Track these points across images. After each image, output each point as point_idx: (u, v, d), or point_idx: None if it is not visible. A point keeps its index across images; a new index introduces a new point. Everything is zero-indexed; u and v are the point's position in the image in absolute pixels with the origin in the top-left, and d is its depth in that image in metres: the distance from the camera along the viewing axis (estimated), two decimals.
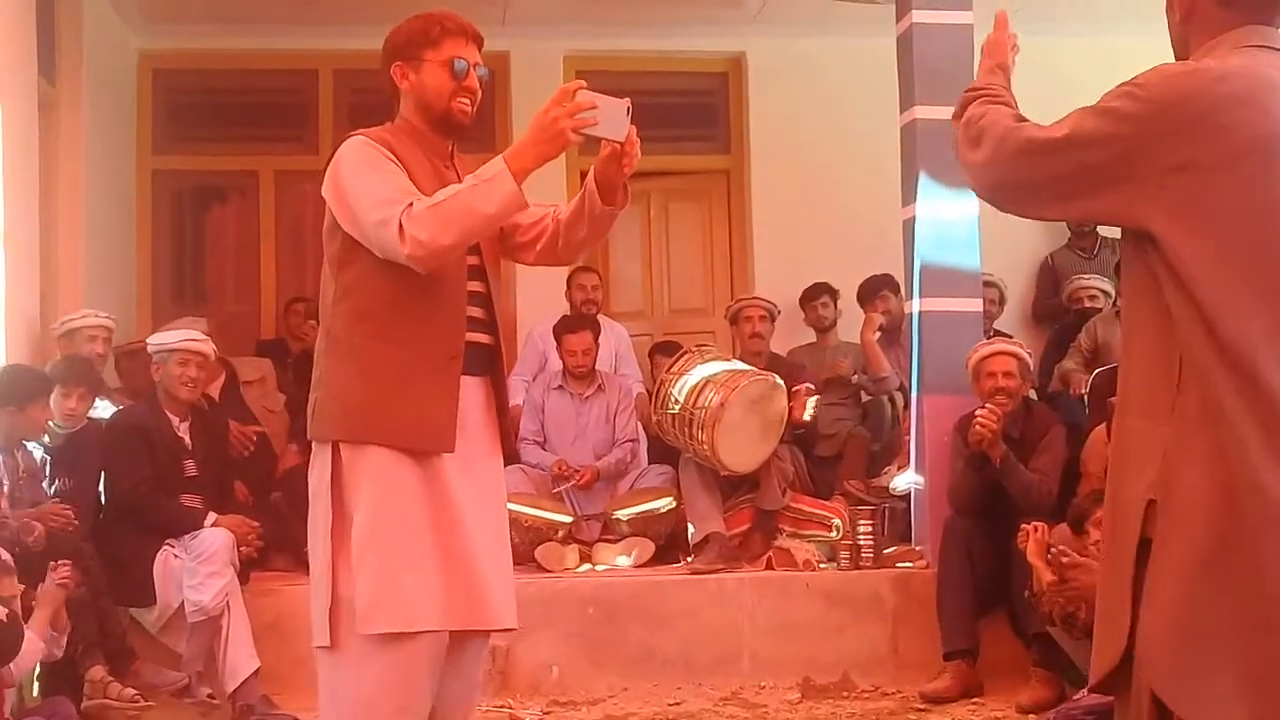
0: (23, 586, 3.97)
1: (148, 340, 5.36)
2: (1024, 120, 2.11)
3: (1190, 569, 1.92)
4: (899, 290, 6.29)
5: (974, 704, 4.80)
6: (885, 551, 5.48)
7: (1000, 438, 4.93)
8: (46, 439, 4.91)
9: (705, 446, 5.44)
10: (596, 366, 6.27)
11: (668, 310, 7.99)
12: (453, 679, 2.78)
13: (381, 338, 2.69)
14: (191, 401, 5.19)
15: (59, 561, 4.15)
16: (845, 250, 7.09)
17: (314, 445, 2.76)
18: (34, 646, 3.87)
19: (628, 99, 2.58)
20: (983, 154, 2.12)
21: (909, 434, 5.68)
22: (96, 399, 5.12)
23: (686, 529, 5.62)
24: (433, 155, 2.81)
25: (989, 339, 5.54)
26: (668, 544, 5.76)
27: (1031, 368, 5.46)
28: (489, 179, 2.56)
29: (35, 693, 4.38)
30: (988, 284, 6.18)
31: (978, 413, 4.95)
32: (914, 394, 5.62)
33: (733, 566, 5.41)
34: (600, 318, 6.75)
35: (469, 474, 2.75)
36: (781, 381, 5.66)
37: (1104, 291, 6.86)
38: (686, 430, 5.51)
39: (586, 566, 5.62)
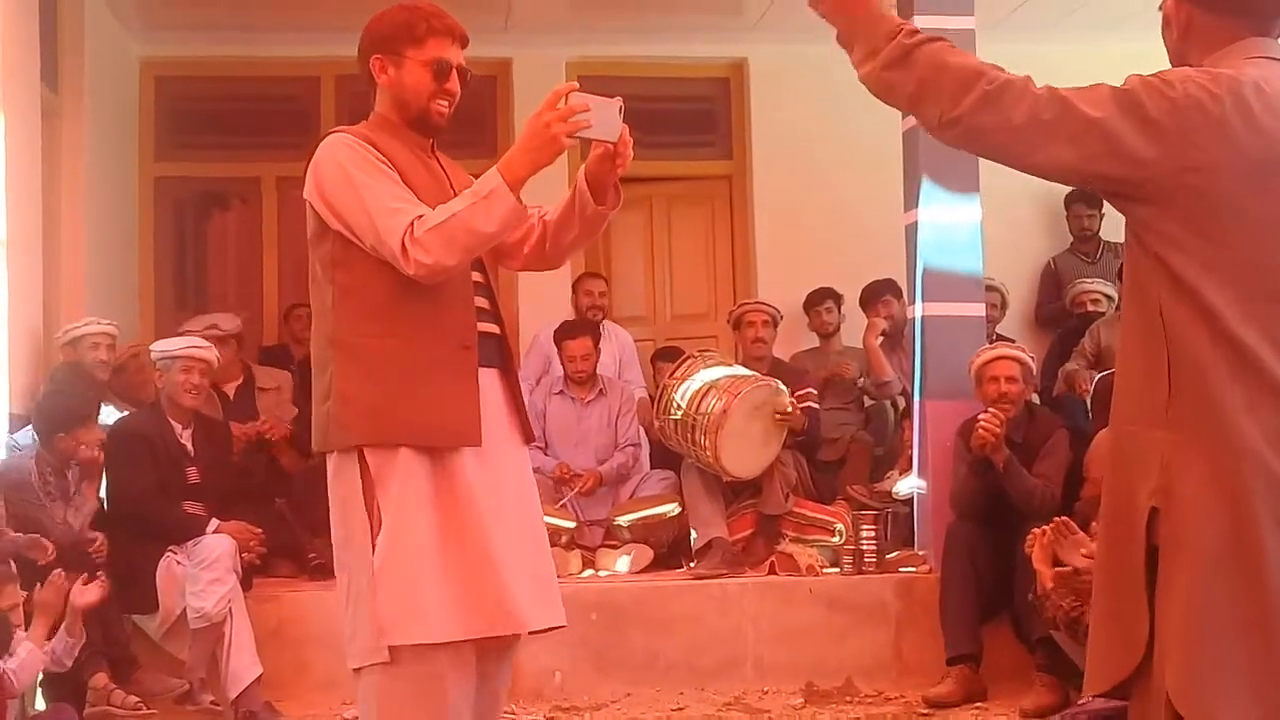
0: (24, 594, 3.97)
1: (151, 346, 5.37)
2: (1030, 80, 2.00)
3: (1200, 575, 1.92)
4: (902, 295, 6.29)
5: (977, 709, 4.79)
6: (888, 556, 5.48)
7: (1003, 442, 4.92)
8: None
9: (708, 452, 5.44)
10: (600, 372, 6.27)
11: (670, 315, 7.99)
12: (479, 682, 2.71)
13: (391, 335, 2.62)
14: (195, 408, 5.19)
15: (56, 571, 4.14)
16: (847, 255, 7.10)
17: (336, 457, 2.66)
18: (35, 657, 3.84)
19: (619, 98, 2.55)
20: (1003, 116, 1.96)
21: (912, 439, 5.68)
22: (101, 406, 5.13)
23: (689, 534, 5.62)
24: (416, 149, 2.75)
25: (991, 343, 5.54)
26: (671, 549, 5.76)
27: (1034, 372, 5.46)
28: (487, 195, 2.51)
29: (38, 700, 4.37)
30: (989, 288, 6.18)
31: (980, 417, 4.95)
32: (916, 399, 5.61)
33: (736, 572, 5.40)
34: (605, 323, 6.76)
35: (492, 468, 2.68)
36: (784, 387, 5.65)
37: (1107, 296, 6.86)
38: (689, 436, 5.51)
39: (590, 572, 5.62)
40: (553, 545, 5.50)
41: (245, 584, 4.89)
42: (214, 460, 5.22)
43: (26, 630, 3.95)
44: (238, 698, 4.62)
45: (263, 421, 5.90)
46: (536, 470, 5.91)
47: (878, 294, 6.72)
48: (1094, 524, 4.36)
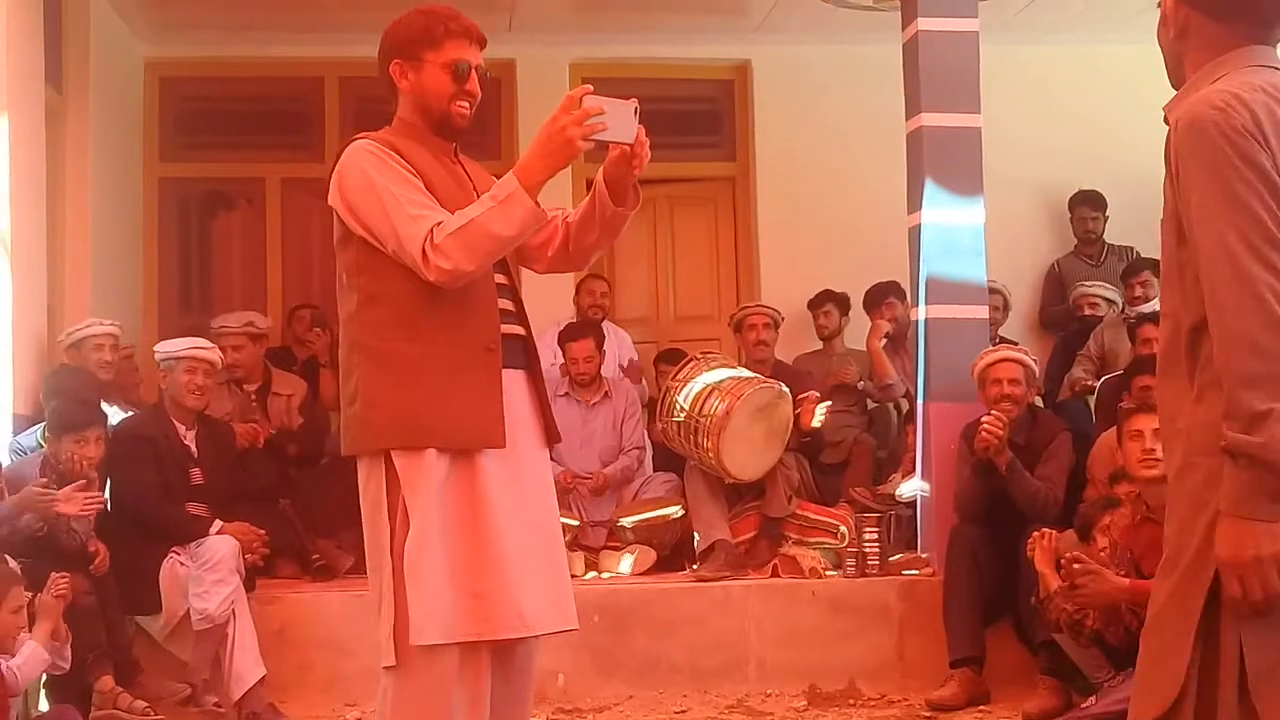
0: (30, 595, 3.97)
1: (155, 347, 5.38)
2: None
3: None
4: (905, 297, 6.29)
5: (980, 712, 4.79)
6: (891, 559, 5.47)
7: (1006, 445, 4.92)
8: None
9: (710, 455, 5.44)
10: (603, 373, 6.27)
11: (673, 317, 7.99)
12: (497, 684, 2.72)
13: (416, 339, 2.64)
14: (198, 409, 5.20)
15: (58, 574, 4.14)
16: (851, 257, 7.09)
17: (365, 462, 2.68)
18: (38, 656, 3.85)
19: (634, 99, 2.56)
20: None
21: (915, 441, 5.68)
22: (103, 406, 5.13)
23: (692, 536, 5.62)
24: (439, 154, 2.77)
25: (994, 346, 5.54)
26: (674, 551, 5.76)
27: (1037, 374, 5.46)
28: (505, 199, 2.53)
29: (41, 703, 4.37)
30: (992, 291, 6.17)
31: (983, 419, 4.95)
32: (920, 401, 5.61)
33: (738, 574, 5.40)
34: (606, 324, 6.75)
35: (514, 470, 2.70)
36: (787, 389, 5.65)
37: (1106, 299, 6.84)
38: (692, 438, 5.51)
39: (593, 574, 5.62)
40: None
41: (248, 585, 4.88)
42: (217, 461, 5.22)
43: (31, 631, 3.95)
44: (241, 699, 4.62)
45: (264, 427, 5.89)
46: None
47: (881, 296, 6.73)
48: (1098, 526, 4.38)
